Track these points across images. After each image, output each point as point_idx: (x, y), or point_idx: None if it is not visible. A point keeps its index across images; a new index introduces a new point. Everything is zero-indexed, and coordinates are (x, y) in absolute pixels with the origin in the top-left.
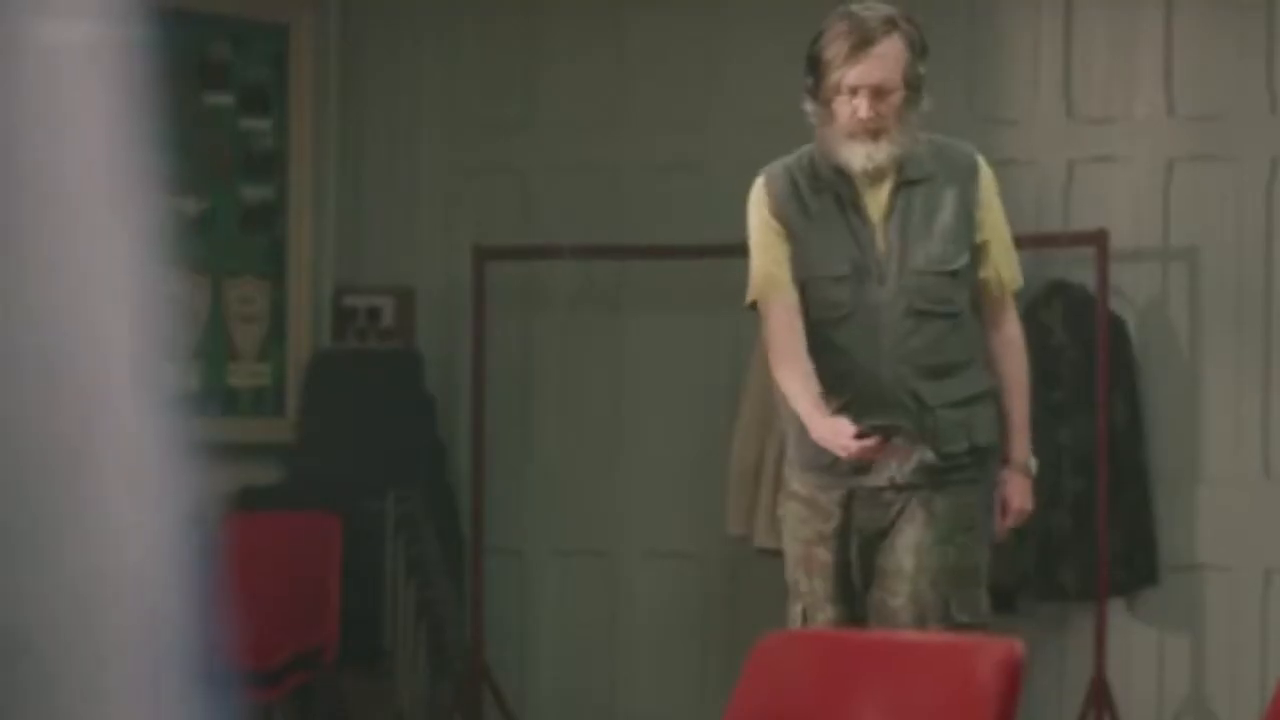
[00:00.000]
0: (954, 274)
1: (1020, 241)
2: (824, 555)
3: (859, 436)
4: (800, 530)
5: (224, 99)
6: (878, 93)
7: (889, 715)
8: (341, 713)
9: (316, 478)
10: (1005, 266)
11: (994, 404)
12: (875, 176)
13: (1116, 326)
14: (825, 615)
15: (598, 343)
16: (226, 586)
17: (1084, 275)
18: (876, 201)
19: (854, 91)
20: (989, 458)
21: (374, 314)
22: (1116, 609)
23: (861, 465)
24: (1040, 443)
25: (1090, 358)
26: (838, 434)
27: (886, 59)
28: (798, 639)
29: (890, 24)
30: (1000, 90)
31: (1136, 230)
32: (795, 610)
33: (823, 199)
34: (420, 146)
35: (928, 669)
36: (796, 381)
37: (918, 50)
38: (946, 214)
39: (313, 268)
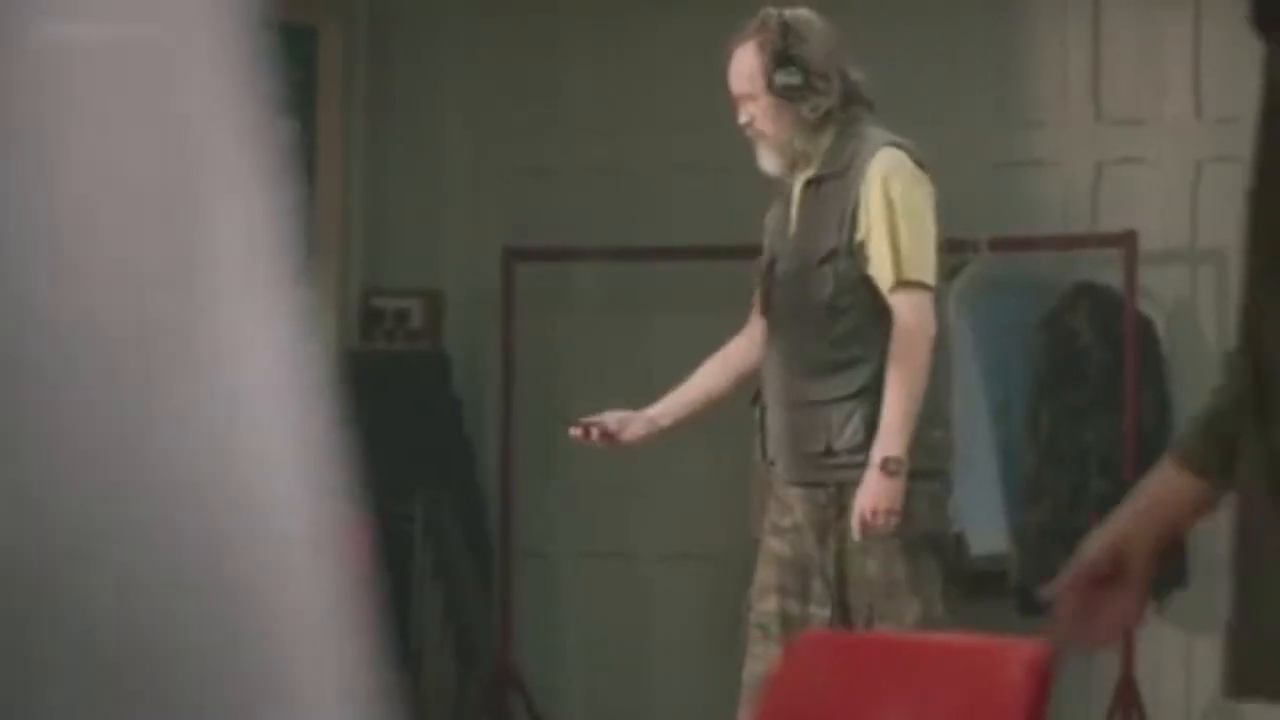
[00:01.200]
0: (815, 268)
1: (1048, 243)
2: (775, 545)
3: (582, 431)
4: (765, 520)
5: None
6: (739, 101)
7: (917, 717)
8: None
9: (344, 479)
10: (883, 263)
11: (869, 405)
12: (802, 172)
13: (1144, 328)
14: (765, 605)
15: (625, 344)
16: None
17: (1112, 277)
18: (797, 198)
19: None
20: (863, 457)
21: (402, 316)
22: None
23: (768, 461)
24: (1066, 444)
25: (1117, 359)
26: None
27: (738, 71)
28: (830, 640)
29: (753, 30)
30: (1029, 92)
31: (1164, 232)
32: (745, 603)
33: (779, 198)
34: (448, 148)
35: (957, 670)
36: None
37: (778, 56)
38: (834, 209)
39: (341, 269)
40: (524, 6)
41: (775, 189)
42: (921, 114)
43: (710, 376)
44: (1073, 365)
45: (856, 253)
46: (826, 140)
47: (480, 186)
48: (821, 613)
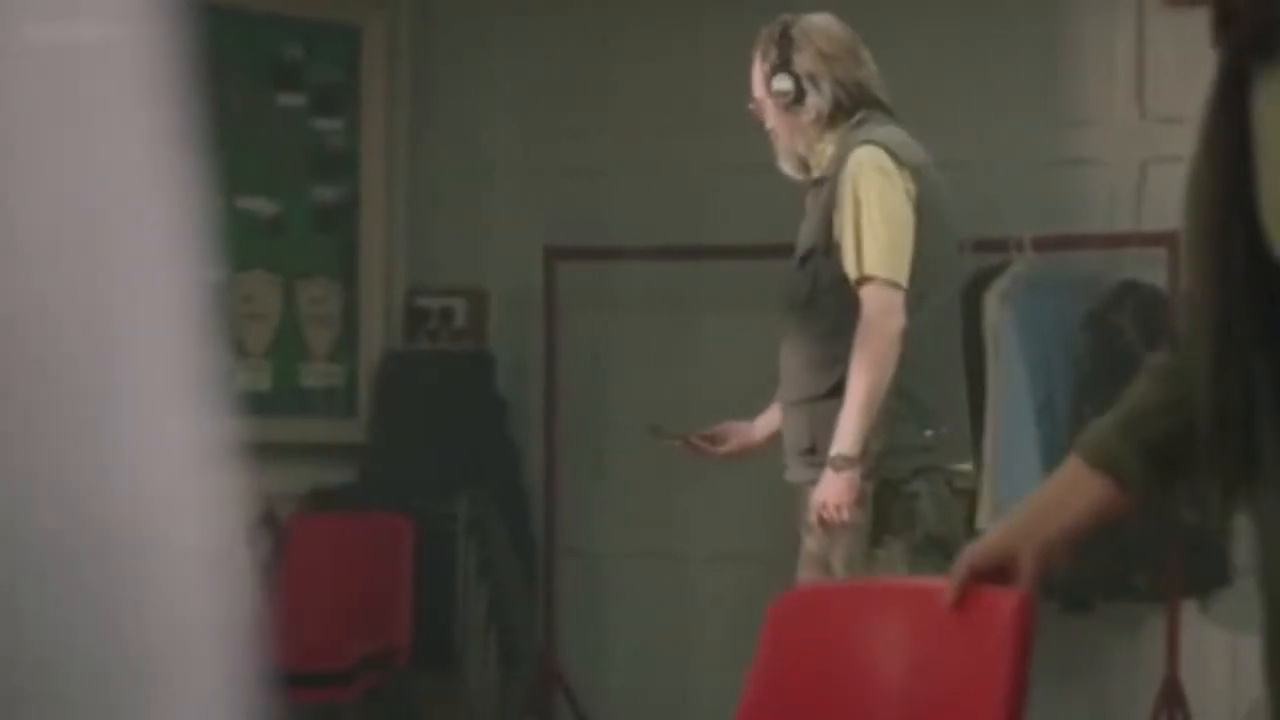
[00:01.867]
0: (799, 268)
1: (1093, 241)
2: (808, 543)
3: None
4: (799, 520)
5: (296, 100)
6: (756, 107)
7: (907, 663)
8: (412, 715)
9: (388, 479)
10: (850, 259)
11: (837, 404)
12: (811, 175)
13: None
14: None
15: (669, 343)
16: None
17: (1156, 275)
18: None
19: None
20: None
21: (446, 315)
22: (1189, 609)
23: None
24: None
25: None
26: None
27: (753, 78)
28: (813, 594)
29: (762, 39)
30: (1074, 91)
31: None
32: None
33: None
34: (491, 147)
35: (941, 613)
36: None
37: (777, 64)
38: (815, 210)
39: (385, 268)
40: (568, 5)
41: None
42: (967, 113)
43: None
44: (1116, 364)
45: (834, 252)
46: (830, 144)
47: (524, 185)
48: None
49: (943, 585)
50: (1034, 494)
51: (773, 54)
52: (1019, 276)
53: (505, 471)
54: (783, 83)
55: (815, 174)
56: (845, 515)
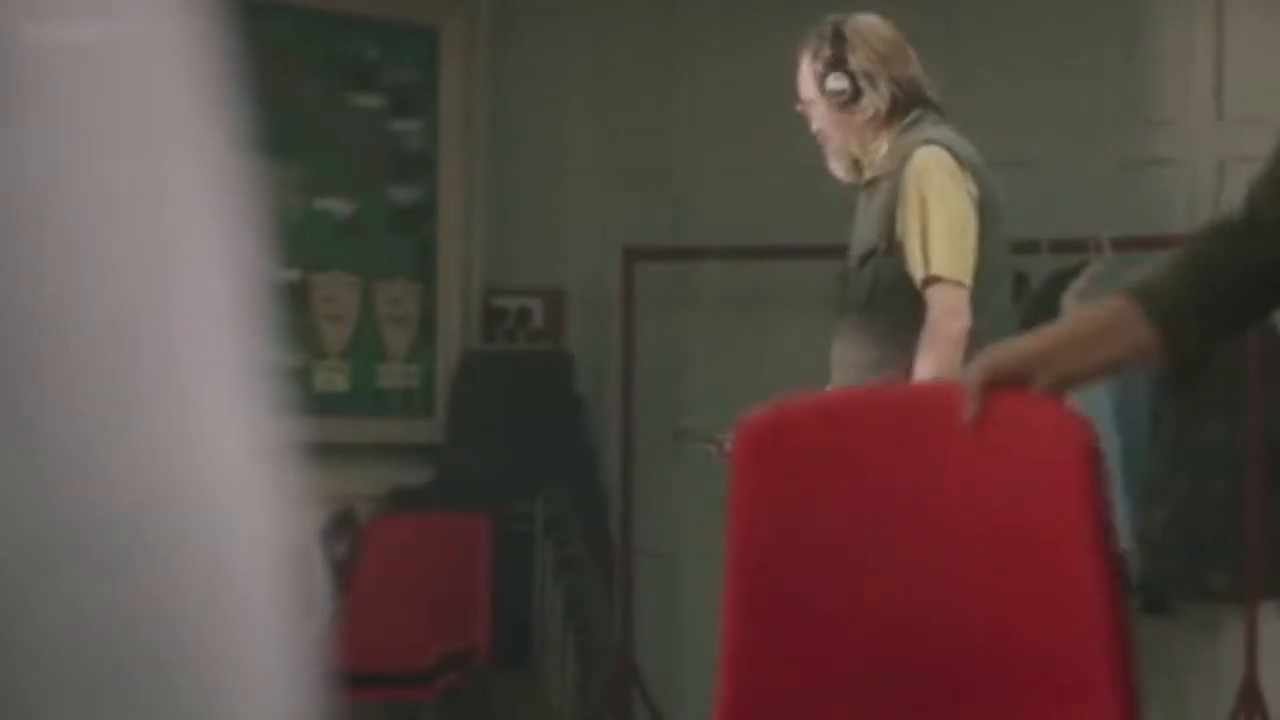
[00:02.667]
0: (856, 267)
1: (1171, 242)
2: None
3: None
4: None
5: (373, 101)
6: (805, 109)
7: (935, 483)
8: (490, 714)
9: (466, 479)
10: (915, 260)
11: None
12: (862, 176)
13: (1266, 327)
14: None
15: (746, 343)
16: (374, 588)
17: None
18: (859, 203)
19: None
20: None
21: (524, 315)
22: (1268, 611)
23: None
24: (1188, 444)
25: (1239, 358)
26: None
27: (800, 78)
28: (787, 413)
29: (813, 39)
30: (1152, 91)
31: None
32: None
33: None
34: (569, 147)
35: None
36: None
37: (831, 63)
38: (873, 211)
39: (462, 269)
40: (646, 6)
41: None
42: (1044, 114)
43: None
44: None
45: (895, 251)
46: (884, 143)
47: (602, 186)
48: None
49: (952, 390)
50: (1063, 324)
51: (825, 53)
52: (1096, 277)
53: (582, 471)
54: (838, 81)
55: (869, 174)
56: None
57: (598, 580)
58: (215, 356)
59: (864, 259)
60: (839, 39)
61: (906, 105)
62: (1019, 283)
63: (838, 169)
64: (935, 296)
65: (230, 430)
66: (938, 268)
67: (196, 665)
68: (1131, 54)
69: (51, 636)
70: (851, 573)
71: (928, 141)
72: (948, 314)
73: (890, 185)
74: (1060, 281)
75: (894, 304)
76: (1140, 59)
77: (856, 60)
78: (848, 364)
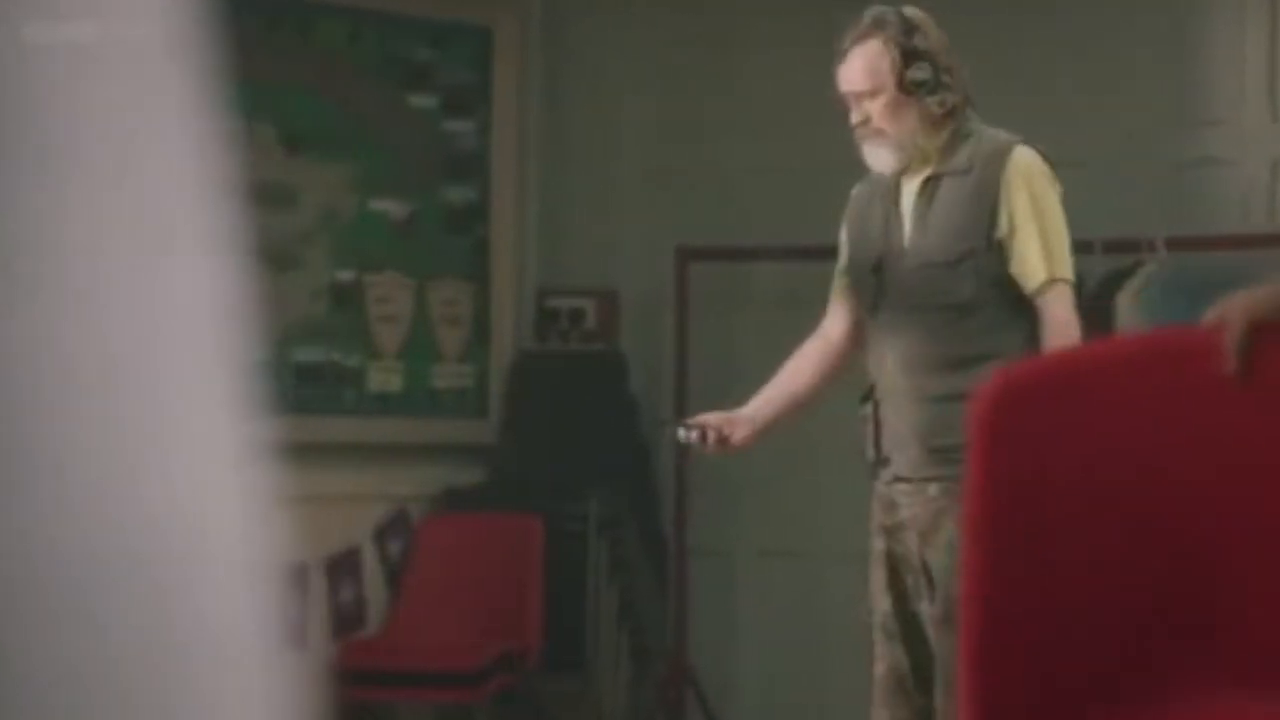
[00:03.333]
0: (952, 265)
1: (1225, 242)
2: (879, 544)
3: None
4: (871, 522)
5: (427, 101)
6: (858, 99)
7: (1207, 447)
8: (542, 716)
9: (519, 479)
10: (1028, 262)
11: None
12: (914, 172)
13: None
14: (883, 606)
15: (799, 343)
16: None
17: None
18: (910, 196)
19: (843, 96)
20: None
21: (577, 315)
22: None
23: (881, 458)
24: None
25: None
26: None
27: (860, 67)
28: (1039, 373)
29: (875, 26)
30: (1205, 91)
31: None
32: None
33: (874, 196)
34: (622, 148)
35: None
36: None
37: (906, 52)
38: (965, 206)
39: (516, 269)
40: (699, 5)
41: (874, 188)
42: (1098, 115)
43: (803, 377)
44: None
45: (996, 250)
46: (943, 137)
47: (655, 186)
48: (928, 609)
49: (1203, 338)
50: None
51: (902, 41)
52: (1151, 277)
53: (635, 471)
54: (921, 71)
55: (927, 170)
56: None
57: (651, 581)
58: (197, 364)
59: (964, 256)
60: (911, 28)
61: (964, 102)
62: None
63: (888, 163)
64: (1058, 298)
65: (210, 439)
66: (1059, 270)
67: (182, 682)
68: (1185, 54)
69: (46, 657)
70: (1112, 554)
71: (1023, 142)
72: (1071, 316)
73: (968, 182)
74: (1115, 282)
75: (992, 302)
76: (1194, 59)
77: (934, 49)
78: (932, 362)
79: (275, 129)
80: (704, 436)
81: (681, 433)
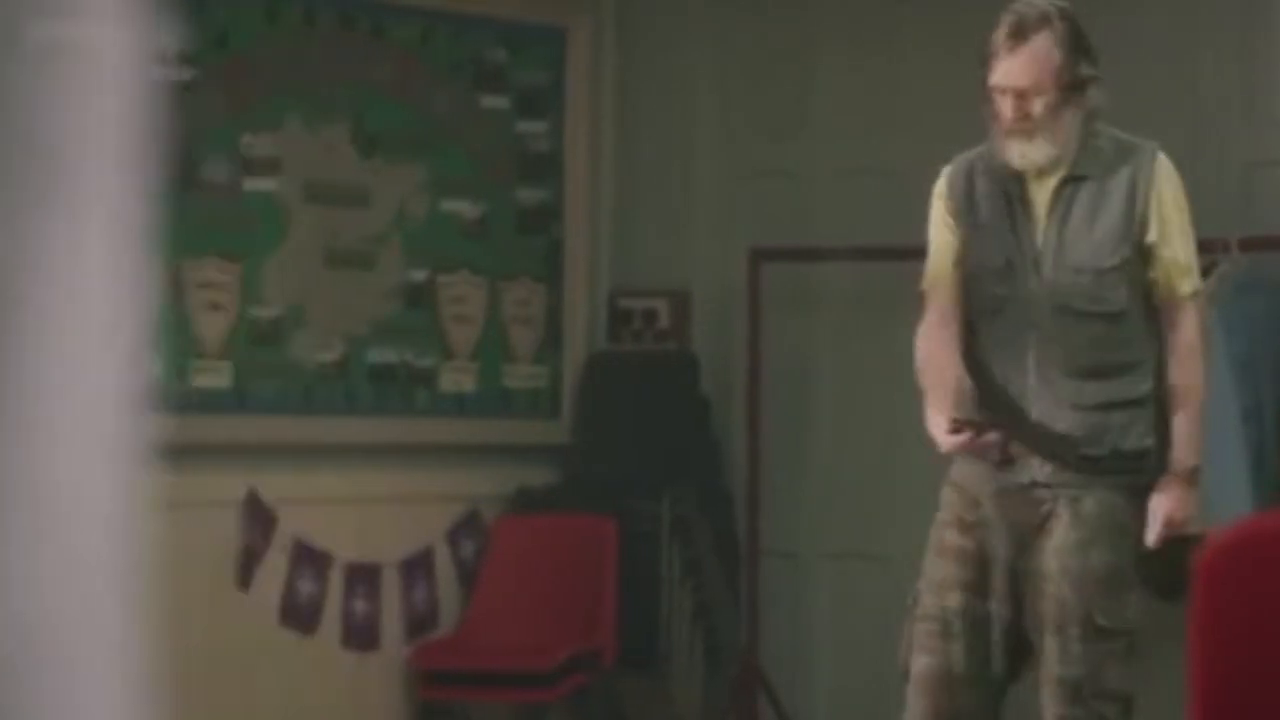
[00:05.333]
0: (1106, 273)
1: None
2: (954, 538)
3: (954, 430)
4: (942, 515)
5: (500, 102)
6: (1022, 95)
7: None
8: (617, 715)
9: (592, 479)
10: (1176, 270)
11: (1151, 409)
12: (1045, 172)
13: None
14: (948, 601)
15: (873, 344)
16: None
17: None
18: (1043, 197)
19: (1002, 92)
20: (1147, 462)
21: (650, 316)
22: None
23: (1006, 461)
24: None
25: None
26: (937, 428)
27: (1028, 62)
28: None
29: (1042, 22)
30: (1278, 91)
31: None
32: (911, 596)
33: (994, 193)
34: (695, 148)
35: None
36: (932, 375)
37: (1074, 49)
38: (1112, 212)
39: (589, 270)
40: (773, 6)
41: (966, 185)
42: (1171, 113)
43: (958, 369)
44: None
45: (1144, 257)
46: (1076, 138)
47: (728, 186)
48: (1003, 611)
49: None
50: None
51: (1073, 35)
52: (1225, 278)
53: (708, 472)
54: (1090, 68)
55: (1062, 171)
56: (1186, 530)
57: (724, 581)
58: (76, 357)
59: (1120, 264)
60: (1077, 24)
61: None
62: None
63: (1044, 158)
64: (1194, 310)
65: (85, 431)
66: (1198, 282)
67: (37, 663)
68: (1257, 54)
69: None
70: None
71: (1157, 147)
72: (1199, 335)
73: (1117, 186)
74: None
75: (1139, 309)
76: (1264, 58)
77: (1094, 49)
78: (1078, 369)
79: (349, 130)
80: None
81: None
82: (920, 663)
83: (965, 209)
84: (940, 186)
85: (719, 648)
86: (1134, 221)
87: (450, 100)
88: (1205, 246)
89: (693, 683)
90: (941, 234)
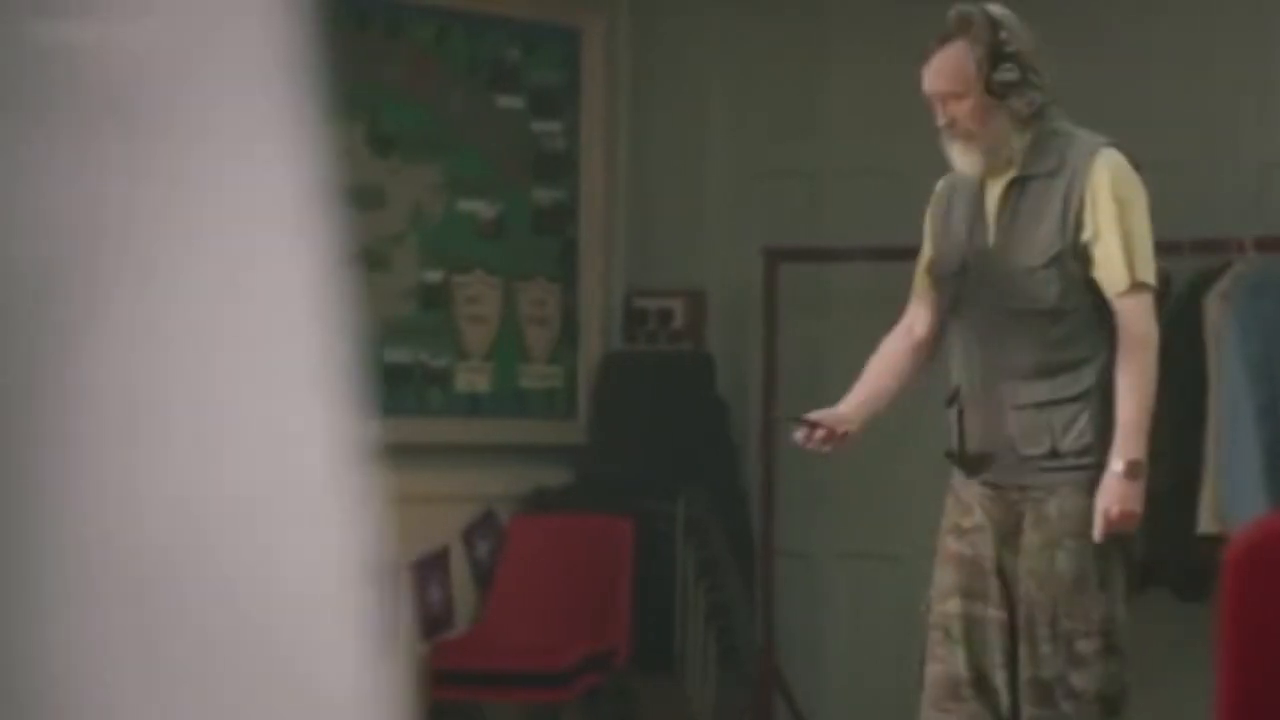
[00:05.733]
0: (1037, 271)
1: None
2: (953, 545)
3: (798, 428)
4: (944, 522)
5: (515, 102)
6: (943, 100)
7: None
8: (631, 715)
9: (607, 479)
10: (1111, 266)
11: (1094, 406)
12: (998, 172)
13: None
14: (947, 607)
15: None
16: (516, 588)
17: None
18: (995, 198)
19: (928, 97)
20: (1091, 458)
21: (665, 316)
22: None
23: (972, 461)
24: None
25: None
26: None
27: (943, 67)
28: None
29: (961, 27)
30: None
31: None
32: (925, 604)
33: (961, 198)
34: (710, 148)
35: None
36: (861, 377)
37: (994, 53)
38: (1052, 210)
39: (604, 270)
40: (784, 7)
41: (958, 186)
42: (1185, 115)
43: (894, 375)
44: None
45: (1081, 254)
46: (1028, 138)
47: (742, 187)
48: (998, 614)
49: None
50: None
51: (988, 40)
52: (1240, 277)
53: (724, 472)
54: (1010, 73)
55: (1013, 172)
56: (1133, 525)
57: (739, 581)
58: (282, 355)
59: (1051, 261)
60: (996, 27)
61: (1050, 102)
62: (1162, 284)
63: (974, 165)
64: (1137, 303)
65: (310, 441)
66: (1142, 274)
67: (267, 684)
68: (1269, 54)
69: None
70: None
71: (1105, 144)
72: (1149, 320)
73: (1054, 185)
74: (1204, 283)
75: (1079, 307)
76: (1278, 59)
77: (1021, 49)
78: (1019, 368)
79: (364, 130)
80: (810, 435)
81: (799, 435)
82: (930, 670)
83: (942, 215)
84: (934, 195)
85: (734, 648)
86: (1069, 219)
87: (465, 100)
88: (1220, 247)
89: (707, 683)
90: (925, 242)
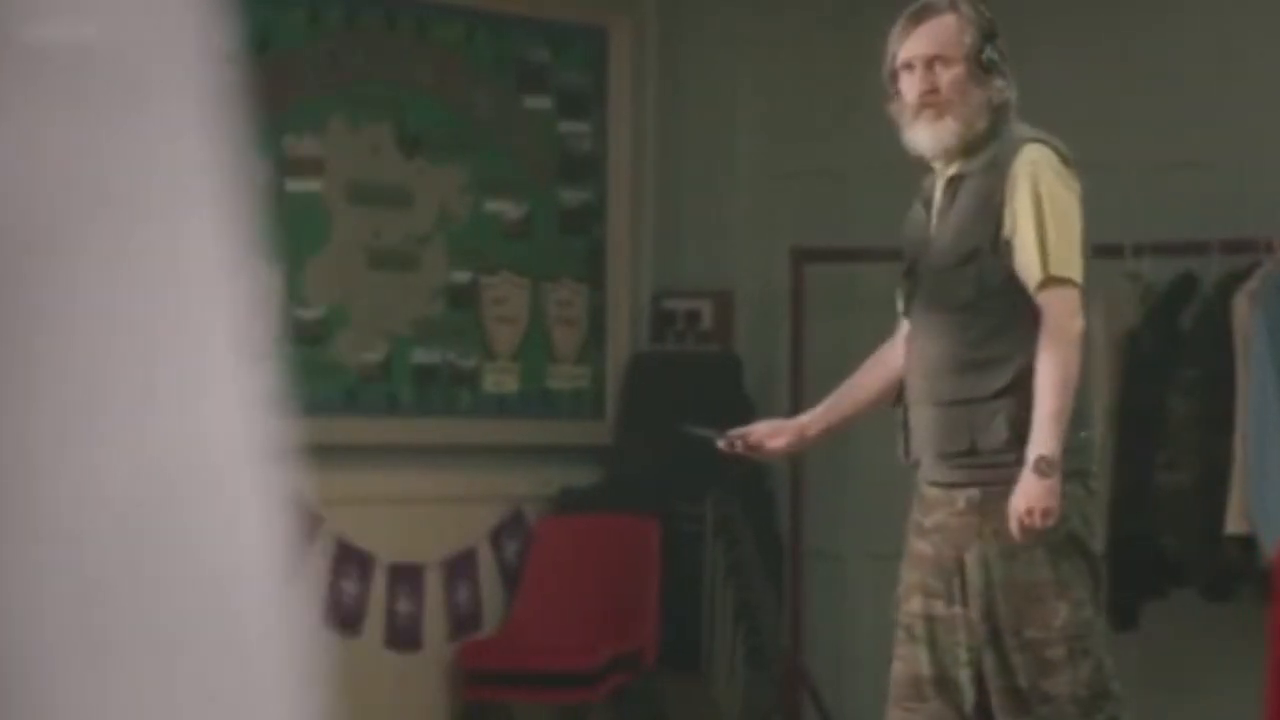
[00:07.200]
0: (954, 268)
1: None
2: (916, 544)
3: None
4: (909, 520)
5: (542, 102)
6: (930, 64)
7: None
8: (659, 716)
9: (635, 480)
10: (1028, 260)
11: (1012, 404)
12: (951, 162)
13: None
14: (910, 606)
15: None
16: (544, 589)
17: None
18: (938, 195)
19: (910, 66)
20: (1009, 456)
21: (693, 317)
22: None
23: (912, 460)
24: None
25: None
26: None
27: (935, 31)
28: None
29: (949, 5)
30: None
31: None
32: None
33: (920, 198)
34: (738, 149)
35: None
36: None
37: (983, 33)
38: (974, 207)
39: (631, 270)
40: (813, 6)
41: (922, 194)
42: (1215, 113)
43: (862, 383)
44: None
45: (1002, 250)
46: (984, 129)
47: (770, 187)
48: (962, 612)
49: None
50: None
51: (979, 20)
52: (1268, 277)
53: (751, 473)
54: (995, 52)
55: (954, 169)
56: (1051, 521)
57: (767, 581)
58: (220, 356)
59: (968, 257)
60: (981, 10)
61: (1009, 102)
62: (1190, 284)
63: (941, 139)
64: (1054, 298)
65: (234, 429)
66: (1056, 268)
67: (198, 626)
68: None
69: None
70: None
71: (1036, 140)
72: (1068, 315)
73: (984, 182)
74: (1231, 283)
75: (1000, 303)
76: None
77: (1000, 38)
78: (942, 366)
79: (391, 130)
80: (733, 444)
81: (721, 443)
82: (893, 669)
83: (909, 219)
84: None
85: (762, 648)
86: (990, 216)
87: (493, 101)
88: (1248, 247)
89: (735, 684)
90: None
